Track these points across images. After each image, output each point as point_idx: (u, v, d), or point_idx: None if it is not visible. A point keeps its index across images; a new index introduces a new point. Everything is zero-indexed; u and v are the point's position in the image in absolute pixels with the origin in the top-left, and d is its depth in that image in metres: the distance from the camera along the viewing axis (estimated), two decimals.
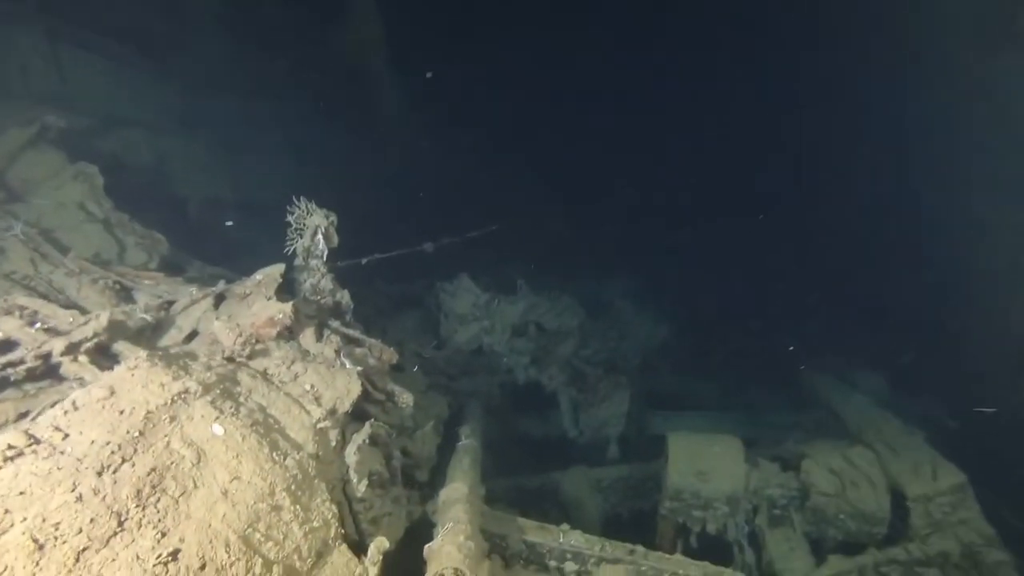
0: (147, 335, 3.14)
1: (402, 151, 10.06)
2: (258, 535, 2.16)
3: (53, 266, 3.45)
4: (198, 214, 7.03)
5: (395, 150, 10.01)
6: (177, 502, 2.05)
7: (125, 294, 3.36)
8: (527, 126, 10.74)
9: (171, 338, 3.11)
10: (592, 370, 6.51)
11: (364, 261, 4.57)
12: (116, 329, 2.73)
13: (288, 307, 3.06)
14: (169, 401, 2.32)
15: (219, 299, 3.32)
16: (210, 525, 2.05)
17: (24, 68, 5.55)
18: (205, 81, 7.84)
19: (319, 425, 2.88)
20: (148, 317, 3.06)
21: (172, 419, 2.28)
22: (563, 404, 6.38)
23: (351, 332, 3.55)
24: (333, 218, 3.54)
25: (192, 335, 3.14)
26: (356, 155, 9.89)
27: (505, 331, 6.01)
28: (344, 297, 3.68)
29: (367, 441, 3.15)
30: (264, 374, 2.92)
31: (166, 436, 2.22)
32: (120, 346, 2.72)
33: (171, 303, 3.28)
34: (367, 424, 3.24)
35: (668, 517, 4.75)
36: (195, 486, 2.14)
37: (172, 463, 2.15)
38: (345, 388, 3.12)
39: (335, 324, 3.51)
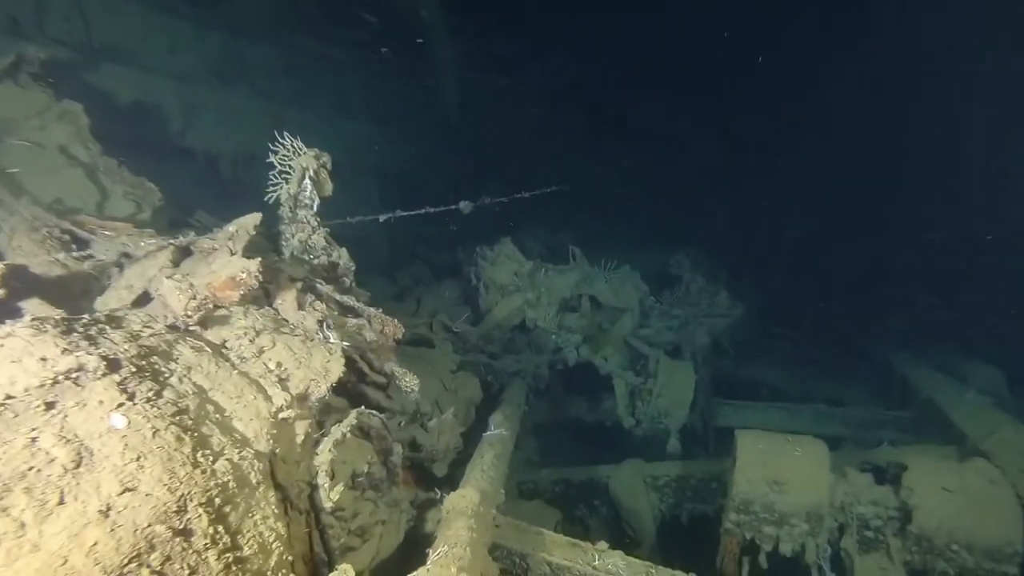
0: (94, 295, 2.61)
1: (459, 107, 9.42)
2: (146, 573, 1.57)
3: (8, 213, 2.96)
4: (231, 171, 6.59)
5: (452, 106, 9.38)
6: (23, 527, 1.47)
7: (80, 246, 2.84)
8: (593, 78, 9.88)
9: (119, 299, 2.56)
10: (653, 352, 5.74)
11: (382, 219, 3.95)
12: (28, 285, 2.19)
13: (254, 264, 2.45)
14: (50, 381, 1.74)
15: (184, 253, 2.76)
16: (66, 561, 1.46)
17: (40, 5, 5.14)
18: (247, 29, 7.36)
19: (281, 415, 2.27)
20: (92, 271, 2.51)
21: (49, 406, 1.70)
22: (618, 390, 5.65)
23: (345, 299, 2.93)
24: (325, 159, 2.90)
25: (145, 297, 2.57)
26: (410, 111, 9.32)
27: (552, 305, 5.30)
28: (342, 257, 3.06)
29: (349, 434, 2.54)
30: (218, 348, 2.33)
31: (34, 430, 1.64)
32: (32, 306, 2.17)
33: (129, 257, 2.73)
34: (352, 413, 2.63)
35: (733, 532, 3.97)
36: (61, 502, 1.55)
37: (32, 468, 1.57)
38: (323, 368, 2.50)
39: (325, 289, 2.90)
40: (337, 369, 2.53)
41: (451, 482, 3.70)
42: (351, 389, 3.07)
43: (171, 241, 2.69)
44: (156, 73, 6.05)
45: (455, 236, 7.34)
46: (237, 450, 2.02)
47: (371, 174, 8.96)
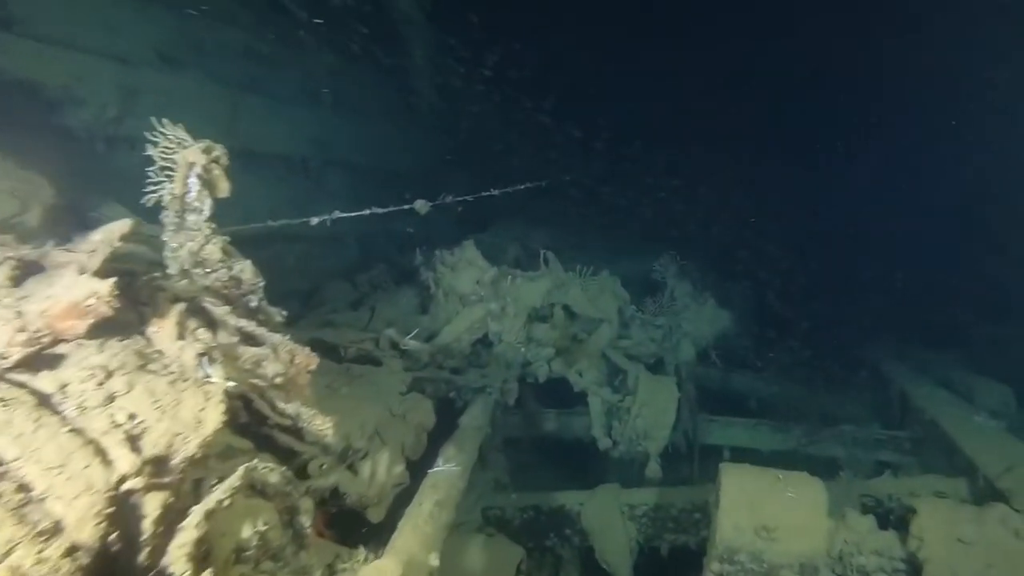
0: None
1: (435, 97, 8.86)
2: None
3: None
4: None
5: (428, 95, 8.83)
6: None
7: None
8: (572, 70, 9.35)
9: None
10: (632, 367, 5.24)
11: (315, 221, 3.42)
12: None
13: (105, 287, 1.92)
14: None
15: (33, 269, 2.22)
16: None
17: None
18: (202, 6, 6.77)
19: (125, 485, 1.75)
20: None
21: None
22: (593, 408, 5.14)
23: (244, 324, 2.40)
24: (219, 153, 2.36)
25: None
26: (382, 100, 8.75)
27: (519, 316, 4.78)
28: (245, 271, 2.52)
29: (229, 499, 2.02)
30: (45, 398, 1.80)
31: None
32: None
33: None
34: (239, 470, 2.10)
35: None
36: None
37: None
38: (195, 418, 1.97)
39: (219, 311, 2.36)
40: (215, 418, 2.01)
41: (391, 528, 3.20)
42: (256, 431, 2.56)
43: (10, 255, 2.15)
44: (89, 54, 5.46)
45: (425, 235, 6.83)
46: (38, 547, 1.50)
47: (340, 166, 8.42)
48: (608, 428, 5.15)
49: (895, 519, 3.69)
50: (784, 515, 3.41)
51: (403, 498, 3.50)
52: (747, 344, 6.68)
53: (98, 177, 4.98)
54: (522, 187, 5.67)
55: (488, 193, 5.04)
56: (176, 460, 1.89)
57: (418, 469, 3.79)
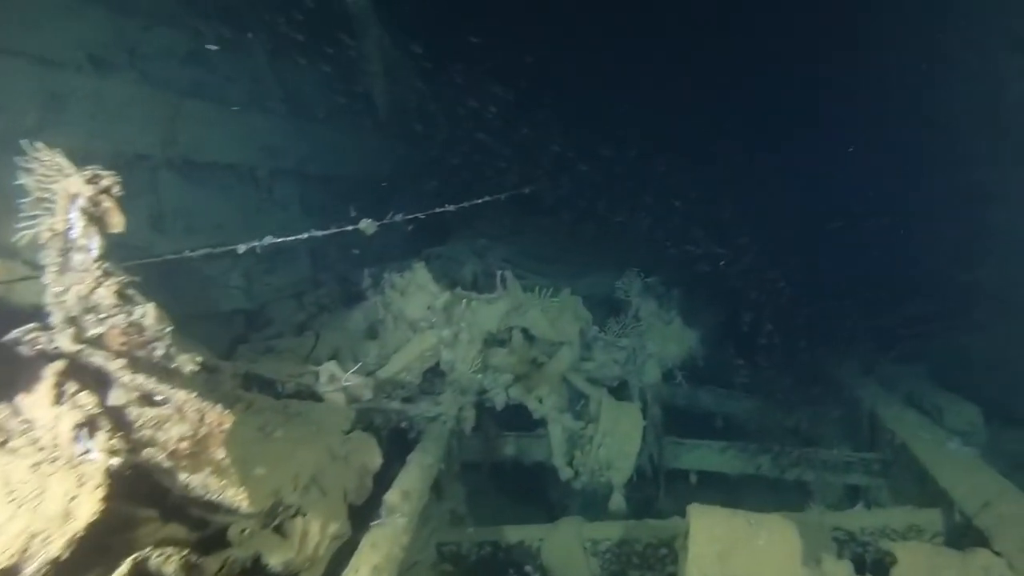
0: None
1: (390, 102, 8.50)
2: None
3: None
4: None
5: (382, 101, 8.46)
6: None
7: None
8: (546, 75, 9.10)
9: None
10: (595, 392, 4.97)
11: (242, 250, 3.07)
12: None
13: None
14: None
15: None
16: None
17: None
18: (138, 4, 6.33)
19: None
20: None
21: None
22: (554, 436, 4.86)
23: (142, 381, 2.05)
24: (109, 182, 2.01)
25: None
26: (335, 106, 8.36)
27: (475, 343, 4.47)
28: (147, 315, 2.17)
29: None
30: None
31: None
32: None
33: None
34: (125, 564, 1.77)
35: None
36: None
37: None
38: (63, 509, 1.64)
39: (113, 367, 2.02)
40: (89, 508, 1.67)
41: None
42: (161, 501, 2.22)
43: None
44: (6, 54, 5.02)
45: (380, 248, 6.48)
46: None
47: (290, 176, 8.01)
48: (570, 457, 4.87)
49: (871, 562, 3.48)
50: (756, 565, 3.16)
51: (345, 550, 3.20)
52: (715, 363, 6.48)
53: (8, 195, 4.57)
54: (479, 201, 5.35)
55: (442, 209, 4.71)
56: (32, 568, 1.55)
57: (364, 512, 3.48)
